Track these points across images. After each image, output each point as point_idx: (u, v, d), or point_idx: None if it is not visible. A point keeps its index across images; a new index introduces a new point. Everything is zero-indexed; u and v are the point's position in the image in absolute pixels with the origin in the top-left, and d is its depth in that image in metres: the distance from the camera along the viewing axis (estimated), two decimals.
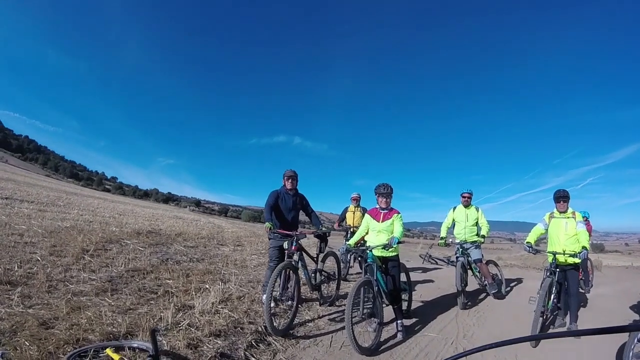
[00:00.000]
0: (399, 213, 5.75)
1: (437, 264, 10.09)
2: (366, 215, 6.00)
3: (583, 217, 9.55)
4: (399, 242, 5.39)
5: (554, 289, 5.95)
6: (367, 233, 5.96)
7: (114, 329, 4.11)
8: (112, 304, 4.91)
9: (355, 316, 5.23)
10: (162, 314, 4.73)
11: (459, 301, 7.07)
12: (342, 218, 9.81)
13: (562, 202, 6.23)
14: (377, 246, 5.45)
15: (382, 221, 5.72)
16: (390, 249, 5.48)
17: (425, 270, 11.02)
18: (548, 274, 6.03)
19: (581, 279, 9.41)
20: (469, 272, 7.95)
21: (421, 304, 7.31)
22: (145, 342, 3.80)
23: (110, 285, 5.61)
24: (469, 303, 7.49)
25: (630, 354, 4.24)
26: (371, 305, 5.24)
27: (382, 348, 4.99)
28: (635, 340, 4.29)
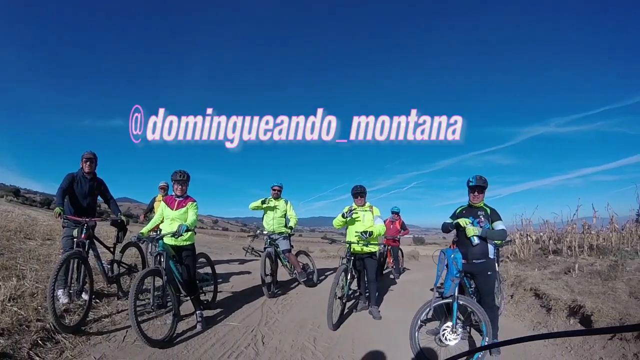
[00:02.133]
0: (194, 201, 5.75)
1: (259, 255, 10.45)
2: (162, 202, 5.91)
3: (394, 212, 10.54)
4: (187, 230, 5.37)
5: (349, 275, 6.44)
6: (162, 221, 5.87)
7: None
8: None
9: (146, 308, 5.23)
10: None
11: (265, 290, 7.30)
12: (150, 208, 9.52)
13: (359, 198, 6.78)
14: (167, 234, 5.36)
15: (177, 209, 5.67)
16: (184, 238, 5.49)
17: (244, 262, 11.26)
18: (344, 261, 6.49)
19: (392, 267, 10.59)
20: (279, 262, 8.27)
21: (230, 294, 7.42)
22: None
23: None
24: (279, 292, 7.83)
25: (416, 333, 4.84)
26: (162, 296, 5.22)
27: (177, 340, 4.98)
28: (424, 313, 4.93)
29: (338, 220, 6.83)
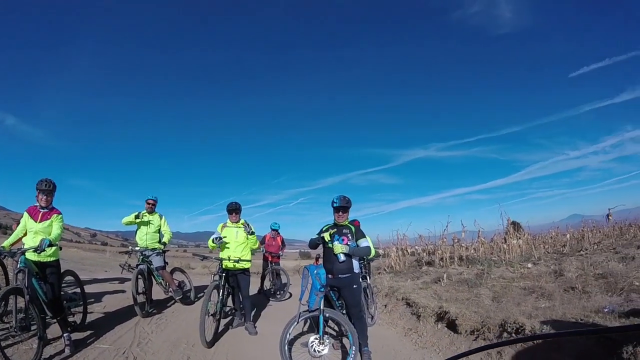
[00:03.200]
0: (60, 213, 5.52)
1: None
2: (24, 213, 5.52)
3: (273, 229, 10.50)
4: (51, 245, 5.13)
5: (221, 291, 6.61)
6: (25, 234, 5.52)
7: None
8: None
9: (10, 331, 4.90)
10: None
11: (138, 309, 7.14)
12: None
13: (234, 214, 6.99)
14: (28, 249, 5.04)
15: (40, 221, 5.36)
16: (47, 253, 5.25)
17: (121, 280, 10.86)
18: (216, 277, 6.69)
19: (273, 285, 10.47)
20: (154, 280, 8.13)
21: (103, 315, 7.18)
22: None
23: None
24: (154, 311, 7.69)
25: (286, 347, 5.10)
26: (25, 318, 4.91)
27: None
28: (292, 327, 5.21)
29: (211, 244, 6.96)
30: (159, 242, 8.33)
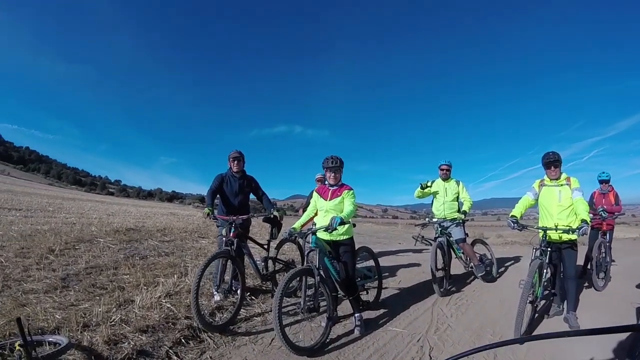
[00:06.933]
0: (350, 189, 5.04)
1: (430, 244, 9.43)
2: (314, 193, 5.32)
3: (602, 180, 8.14)
4: (342, 223, 4.59)
5: (544, 271, 5.01)
6: (316, 214, 5.31)
7: (44, 325, 4.04)
8: (57, 300, 4.80)
9: (298, 308, 4.65)
10: (100, 309, 4.40)
11: (436, 287, 6.30)
12: (308, 202, 8.61)
13: (552, 168, 5.27)
14: (319, 228, 4.78)
15: (331, 199, 5.06)
16: (339, 232, 4.87)
17: (414, 252, 10.38)
18: (538, 254, 5.07)
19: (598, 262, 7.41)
20: (453, 254, 7.22)
21: (397, 291, 6.63)
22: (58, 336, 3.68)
23: (62, 283, 5.47)
24: (452, 289, 6.82)
25: None
26: (314, 297, 4.62)
27: (330, 347, 4.33)
28: None
29: (524, 203, 5.57)
30: (458, 211, 7.32)
